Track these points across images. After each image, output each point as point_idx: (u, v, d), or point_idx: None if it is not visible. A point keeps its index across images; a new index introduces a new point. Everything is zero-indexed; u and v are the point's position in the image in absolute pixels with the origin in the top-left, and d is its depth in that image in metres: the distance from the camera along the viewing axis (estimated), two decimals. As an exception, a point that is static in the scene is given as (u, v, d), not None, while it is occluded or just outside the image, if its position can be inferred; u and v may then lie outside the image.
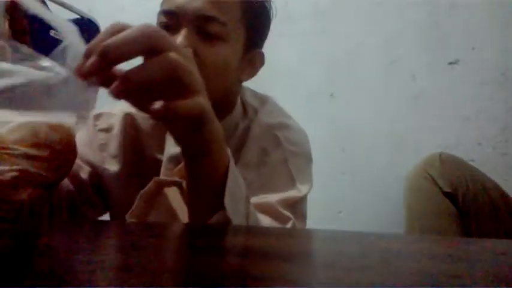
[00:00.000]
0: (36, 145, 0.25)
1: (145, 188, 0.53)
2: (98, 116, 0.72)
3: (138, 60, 0.36)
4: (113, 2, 1.79)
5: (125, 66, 0.35)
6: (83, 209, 0.67)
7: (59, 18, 0.32)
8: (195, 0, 0.57)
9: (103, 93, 0.35)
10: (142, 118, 0.70)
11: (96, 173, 0.68)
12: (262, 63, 0.69)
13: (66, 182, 0.64)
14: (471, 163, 1.27)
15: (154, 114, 0.37)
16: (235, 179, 0.46)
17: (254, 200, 0.58)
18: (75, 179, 0.66)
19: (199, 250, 0.32)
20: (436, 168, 1.20)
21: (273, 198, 0.60)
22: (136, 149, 0.69)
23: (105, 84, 0.34)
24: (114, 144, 0.69)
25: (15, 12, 0.31)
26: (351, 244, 0.36)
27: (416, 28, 1.53)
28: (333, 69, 1.60)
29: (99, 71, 0.33)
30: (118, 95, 0.34)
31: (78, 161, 0.66)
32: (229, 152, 0.47)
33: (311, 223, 0.68)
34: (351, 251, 0.33)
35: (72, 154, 0.27)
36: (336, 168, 1.54)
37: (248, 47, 0.64)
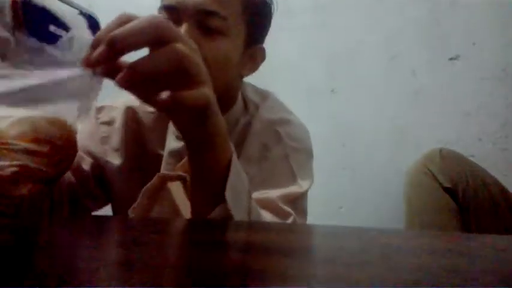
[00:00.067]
0: (36, 140, 0.24)
1: (149, 184, 0.53)
2: (99, 109, 0.72)
3: (142, 53, 0.36)
4: (112, -3, 1.78)
5: (129, 59, 0.35)
6: (84, 201, 0.68)
7: (66, 9, 0.32)
8: None
9: (105, 87, 0.35)
10: (144, 112, 0.70)
11: (98, 164, 0.68)
12: (263, 58, 0.68)
13: (67, 174, 0.64)
14: (471, 159, 1.27)
15: (160, 105, 0.37)
16: (238, 173, 0.46)
17: (255, 195, 0.58)
18: (77, 170, 0.66)
19: (201, 245, 0.32)
20: (436, 163, 1.20)
21: (273, 193, 0.60)
22: (138, 143, 0.69)
23: (111, 75, 0.35)
24: (116, 137, 0.69)
25: (14, 4, 0.31)
26: (352, 239, 0.36)
27: (417, 24, 1.53)
28: (334, 65, 1.60)
29: (106, 61, 0.33)
30: (124, 85, 0.34)
31: (80, 153, 0.66)
32: (232, 146, 0.47)
33: (312, 219, 0.68)
34: (352, 246, 0.33)
35: (72, 149, 0.27)
36: (336, 163, 1.55)
37: (249, 42, 0.64)
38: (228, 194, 0.44)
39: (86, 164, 0.67)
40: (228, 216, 0.44)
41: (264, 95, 0.74)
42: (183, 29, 0.56)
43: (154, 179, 0.53)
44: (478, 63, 1.46)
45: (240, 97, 0.70)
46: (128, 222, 0.49)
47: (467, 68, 1.47)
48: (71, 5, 0.36)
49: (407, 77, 1.53)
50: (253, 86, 0.75)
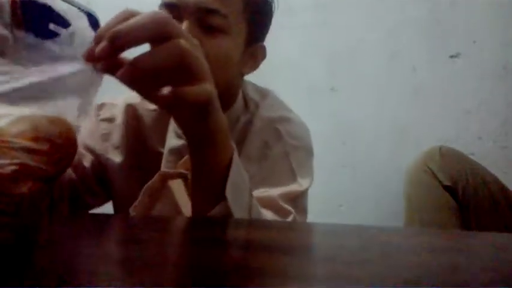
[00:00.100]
0: (36, 139, 0.24)
1: (150, 182, 0.53)
2: (100, 106, 0.72)
3: (143, 50, 0.36)
4: (112, -5, 1.78)
5: (130, 56, 0.35)
6: (85, 198, 0.68)
7: (66, 7, 0.32)
8: None
9: (105, 85, 0.35)
10: (145, 110, 0.70)
11: (99, 161, 0.68)
12: (264, 56, 0.68)
13: (68, 171, 0.64)
14: (471, 157, 1.27)
15: (162, 100, 0.37)
16: (239, 171, 0.46)
17: (255, 193, 0.58)
18: (78, 167, 0.66)
19: (201, 243, 0.32)
20: (436, 161, 1.20)
21: (274, 192, 0.60)
22: (138, 140, 0.69)
23: (112, 71, 0.35)
24: (116, 134, 0.69)
25: (13, 4, 0.31)
26: (352, 237, 0.36)
27: (417, 22, 1.53)
28: (334, 63, 1.59)
29: (108, 56, 0.33)
30: (125, 80, 0.34)
31: (80, 150, 0.67)
32: (233, 143, 0.47)
33: (312, 217, 0.68)
34: (352, 244, 0.33)
35: (72, 148, 0.27)
36: (336, 161, 1.55)
37: (250, 40, 0.64)
38: (228, 191, 0.44)
39: (87, 161, 0.67)
40: (228, 214, 0.44)
41: (264, 93, 0.74)
42: (183, 26, 0.56)
43: (156, 177, 0.53)
44: (479, 61, 1.46)
45: (240, 95, 0.70)
46: (128, 221, 0.49)
47: (468, 66, 1.47)
48: (71, 3, 0.36)
49: (408, 75, 1.53)
50: (254, 84, 0.75)
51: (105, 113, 0.71)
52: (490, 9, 1.46)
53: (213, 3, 0.57)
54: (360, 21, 1.58)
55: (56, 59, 0.31)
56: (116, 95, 0.72)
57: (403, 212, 1.27)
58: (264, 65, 0.69)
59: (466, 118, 1.45)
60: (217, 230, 0.39)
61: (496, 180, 1.21)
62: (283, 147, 0.66)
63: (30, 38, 0.31)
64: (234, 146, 0.47)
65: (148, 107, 0.70)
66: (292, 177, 0.65)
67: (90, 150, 0.68)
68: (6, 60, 0.30)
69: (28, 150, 0.24)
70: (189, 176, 0.50)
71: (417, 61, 1.52)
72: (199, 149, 0.44)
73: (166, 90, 0.36)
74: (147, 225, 0.44)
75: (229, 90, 0.66)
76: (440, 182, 1.18)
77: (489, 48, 1.45)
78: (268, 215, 0.56)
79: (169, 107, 0.41)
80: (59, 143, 0.26)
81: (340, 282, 0.22)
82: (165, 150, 0.65)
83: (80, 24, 0.33)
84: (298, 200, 0.63)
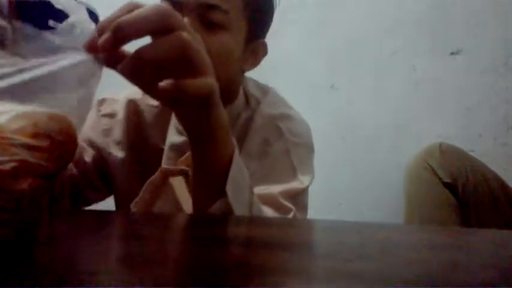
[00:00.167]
0: (36, 135, 0.24)
1: (151, 179, 0.53)
2: (101, 102, 0.72)
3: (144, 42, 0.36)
4: (112, -9, 1.78)
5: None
6: (86, 193, 0.68)
7: (65, 1, 0.32)
8: None
9: (106, 81, 0.35)
10: (146, 106, 0.70)
11: (101, 156, 0.68)
12: (265, 53, 0.68)
13: (69, 166, 0.64)
14: (471, 153, 1.27)
15: (163, 93, 0.37)
16: (239, 168, 0.46)
17: (256, 190, 0.58)
18: (79, 162, 0.66)
19: (202, 240, 0.33)
20: (436, 158, 1.20)
21: (275, 189, 0.60)
22: (139, 136, 0.69)
23: (113, 63, 0.35)
24: (117, 130, 0.69)
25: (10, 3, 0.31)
26: (351, 234, 0.36)
27: (418, 19, 1.52)
28: (334, 60, 1.59)
29: (111, 47, 0.33)
30: (126, 73, 0.34)
31: (82, 144, 0.67)
32: (234, 140, 0.47)
33: (312, 213, 0.68)
34: (351, 241, 0.33)
35: (72, 144, 0.27)
36: (336, 158, 1.55)
37: (251, 37, 0.64)
38: (228, 188, 0.44)
39: (88, 156, 0.67)
40: (228, 211, 0.44)
41: (265, 89, 0.74)
42: None
43: (157, 174, 0.53)
44: (479, 57, 1.45)
45: (241, 92, 0.70)
46: (129, 217, 0.49)
47: (468, 62, 1.46)
48: None
49: (408, 71, 1.52)
50: (254, 81, 0.75)
51: (106, 109, 0.71)
52: (490, 6, 1.45)
53: None
54: (360, 18, 1.58)
55: (55, 50, 0.31)
56: (117, 91, 0.72)
57: (402, 209, 1.27)
58: (264, 62, 0.69)
59: (466, 115, 1.45)
60: (218, 227, 0.40)
61: (496, 177, 1.21)
62: (284, 145, 0.66)
63: (29, 29, 0.30)
64: (234, 142, 0.47)
65: (149, 103, 0.70)
66: (293, 175, 0.65)
67: (92, 145, 0.68)
68: (5, 52, 0.30)
69: (28, 147, 0.24)
70: (190, 173, 0.50)
71: (417, 58, 1.52)
72: (200, 145, 0.44)
73: (167, 82, 0.36)
74: (147, 222, 0.44)
75: (230, 87, 0.66)
76: (440, 179, 1.18)
77: (489, 45, 1.45)
78: (268, 212, 0.56)
79: (170, 101, 0.41)
80: (59, 139, 0.26)
81: (340, 279, 0.22)
82: (166, 147, 0.65)
83: (79, 15, 0.33)
84: (298, 197, 0.63)
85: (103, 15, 0.37)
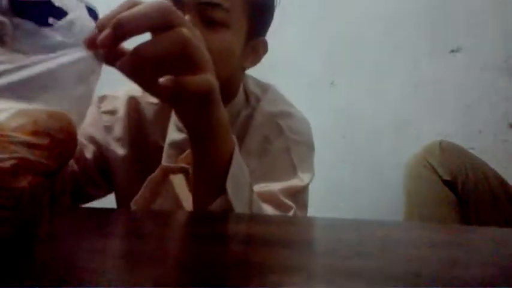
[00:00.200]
0: (36, 133, 0.24)
1: (152, 176, 0.53)
2: (102, 99, 0.72)
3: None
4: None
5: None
6: (86, 189, 0.68)
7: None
8: None
9: (105, 79, 0.35)
10: (146, 103, 0.70)
11: (101, 152, 0.68)
12: (265, 51, 0.68)
13: (70, 162, 0.64)
14: (471, 151, 1.27)
15: (163, 90, 0.36)
16: (239, 165, 0.46)
17: (256, 188, 0.58)
18: (80, 158, 0.66)
19: (202, 238, 0.33)
20: (436, 156, 1.20)
21: (275, 187, 0.61)
22: (140, 133, 0.69)
23: (112, 61, 0.34)
24: (118, 127, 0.69)
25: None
26: (351, 232, 0.36)
27: (418, 16, 1.52)
28: (334, 57, 1.59)
29: (111, 44, 0.33)
30: (126, 70, 0.34)
31: (83, 141, 0.67)
32: (234, 138, 0.47)
33: (312, 211, 0.68)
34: (351, 238, 0.33)
35: (72, 142, 0.27)
36: (336, 156, 1.55)
37: (251, 34, 0.64)
38: (229, 185, 0.44)
39: (89, 152, 0.67)
40: (229, 208, 0.44)
41: (265, 87, 0.74)
42: None
43: (157, 171, 0.53)
44: (479, 55, 1.45)
45: (241, 89, 0.70)
46: (129, 215, 0.49)
47: (468, 60, 1.46)
48: None
49: (408, 69, 1.52)
50: (255, 79, 0.75)
51: (106, 106, 0.71)
52: (490, 3, 1.45)
53: None
54: (360, 15, 1.58)
55: (55, 47, 0.31)
56: (116, 88, 0.72)
57: (402, 206, 1.27)
58: (264, 60, 0.69)
59: (466, 112, 1.45)
60: (218, 224, 0.40)
61: (496, 175, 1.21)
62: (285, 142, 0.66)
63: (29, 25, 0.30)
64: (235, 140, 0.47)
65: (149, 100, 0.70)
66: (293, 172, 0.65)
67: (93, 141, 0.68)
68: (5, 49, 0.30)
69: (28, 145, 0.24)
70: (191, 171, 0.50)
71: (417, 55, 1.51)
72: (200, 142, 0.44)
73: (167, 79, 0.36)
74: (148, 220, 0.44)
75: (231, 84, 0.66)
76: (440, 176, 1.18)
77: (490, 43, 1.44)
78: (268, 210, 0.56)
79: (170, 99, 0.41)
80: (59, 137, 0.26)
81: (340, 276, 0.22)
82: (166, 144, 0.65)
83: (78, 12, 0.33)
84: (299, 195, 0.63)
85: (102, 12, 0.37)
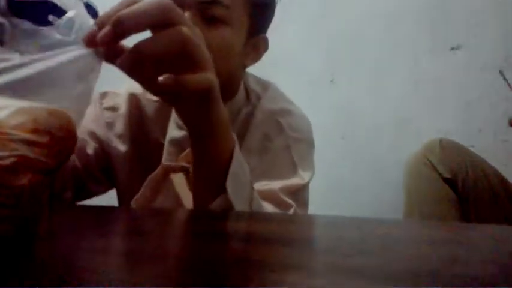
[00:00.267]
0: (36, 131, 0.24)
1: (152, 175, 0.53)
2: (103, 95, 0.72)
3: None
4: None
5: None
6: (88, 185, 0.68)
7: None
8: None
9: (104, 77, 0.35)
10: (147, 100, 0.70)
11: (103, 148, 0.68)
12: (266, 48, 0.68)
13: (72, 158, 0.64)
14: (471, 149, 1.27)
15: (162, 88, 0.36)
16: (240, 164, 0.46)
17: (256, 186, 0.58)
18: (81, 154, 0.66)
19: (202, 236, 0.33)
20: (436, 154, 1.20)
21: (275, 185, 0.60)
22: (141, 131, 0.69)
23: (112, 58, 0.34)
24: (120, 124, 0.69)
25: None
26: (351, 230, 0.36)
27: (418, 13, 1.52)
28: (334, 55, 1.59)
29: (111, 41, 0.33)
30: (126, 67, 0.34)
31: (84, 137, 0.67)
32: (234, 136, 0.47)
33: (312, 209, 0.68)
34: (351, 236, 0.33)
35: (72, 140, 0.27)
36: (336, 154, 1.55)
37: (252, 31, 0.63)
38: (229, 184, 0.44)
39: (90, 148, 0.67)
40: (229, 207, 0.44)
41: (266, 85, 0.74)
42: None
43: (158, 170, 0.53)
44: (480, 53, 1.45)
45: (242, 87, 0.70)
46: (129, 213, 0.49)
47: (469, 57, 1.46)
48: None
49: (408, 67, 1.52)
50: (255, 76, 0.75)
51: (108, 102, 0.71)
52: (490, 2, 1.45)
53: None
54: (360, 13, 1.57)
55: (54, 45, 0.31)
56: (116, 85, 0.72)
57: (402, 204, 1.27)
58: (264, 57, 0.69)
59: (466, 110, 1.45)
60: (218, 222, 0.40)
61: (496, 173, 1.21)
62: (285, 140, 0.66)
63: (27, 25, 0.30)
64: (235, 138, 0.47)
65: (150, 97, 0.70)
66: (294, 170, 0.65)
67: (94, 137, 0.68)
68: (4, 49, 0.30)
69: (28, 143, 0.24)
70: (191, 169, 0.50)
71: (417, 53, 1.51)
72: (200, 140, 0.44)
73: (166, 77, 0.36)
74: (148, 218, 0.44)
75: (231, 82, 0.66)
76: (440, 174, 1.18)
77: (490, 40, 1.44)
78: (269, 208, 0.56)
79: (170, 97, 0.41)
80: (59, 135, 0.26)
81: (340, 274, 0.22)
82: (166, 141, 0.65)
83: (77, 10, 0.33)
84: (299, 193, 0.63)
85: (102, 9, 0.37)
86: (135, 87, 0.70)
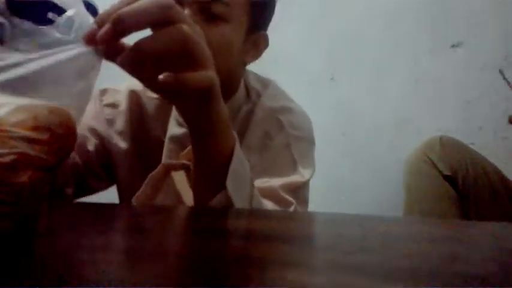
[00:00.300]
0: (36, 128, 0.24)
1: (153, 173, 0.53)
2: (103, 92, 0.72)
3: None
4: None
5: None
6: (89, 182, 0.68)
7: None
8: None
9: (104, 75, 0.35)
10: (147, 97, 0.70)
11: (103, 145, 0.68)
12: (266, 45, 0.68)
13: (72, 154, 0.64)
14: (471, 147, 1.27)
15: (163, 86, 0.36)
16: (240, 161, 0.46)
17: (256, 184, 0.58)
18: (82, 151, 0.66)
19: (202, 233, 0.33)
20: (436, 151, 1.20)
21: (275, 182, 0.60)
22: (141, 128, 0.69)
23: (112, 56, 0.34)
24: (120, 120, 0.69)
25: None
26: (351, 227, 0.36)
27: (419, 11, 1.51)
28: (334, 53, 1.59)
29: (111, 39, 0.33)
30: (126, 65, 0.34)
31: (85, 133, 0.66)
32: (235, 133, 0.47)
33: (313, 207, 0.68)
34: (351, 233, 0.33)
35: (72, 137, 0.27)
36: (336, 152, 1.55)
37: (252, 29, 0.63)
38: (229, 181, 0.44)
39: (91, 145, 0.67)
40: (229, 204, 0.44)
41: (266, 82, 0.74)
42: None
43: (159, 168, 0.53)
44: (480, 51, 1.45)
45: (242, 85, 0.70)
46: (130, 210, 0.49)
47: (469, 55, 1.46)
48: None
49: (408, 65, 1.52)
50: (255, 74, 0.75)
51: (108, 99, 0.71)
52: (491, 1, 1.44)
53: None
54: (360, 12, 1.57)
55: (54, 44, 0.31)
56: (116, 83, 0.72)
57: (402, 202, 1.27)
58: (264, 55, 0.69)
59: (466, 108, 1.45)
60: (219, 219, 0.40)
61: (496, 170, 1.21)
62: (285, 138, 0.66)
63: (27, 25, 0.30)
64: (235, 135, 0.47)
65: (150, 95, 0.70)
66: (294, 168, 0.65)
67: (95, 133, 0.68)
68: (4, 48, 0.30)
69: (28, 140, 0.24)
70: (192, 167, 0.50)
71: (418, 51, 1.51)
72: (200, 138, 0.44)
73: (167, 75, 0.36)
74: (148, 215, 0.44)
75: (231, 79, 0.66)
76: (440, 172, 1.18)
77: (490, 39, 1.44)
78: (269, 205, 0.56)
79: (170, 95, 0.41)
80: (59, 132, 0.26)
81: (341, 271, 0.22)
82: (166, 138, 0.65)
83: (77, 9, 0.32)
84: (299, 190, 0.63)
85: (102, 7, 0.37)
86: (136, 84, 0.70)
